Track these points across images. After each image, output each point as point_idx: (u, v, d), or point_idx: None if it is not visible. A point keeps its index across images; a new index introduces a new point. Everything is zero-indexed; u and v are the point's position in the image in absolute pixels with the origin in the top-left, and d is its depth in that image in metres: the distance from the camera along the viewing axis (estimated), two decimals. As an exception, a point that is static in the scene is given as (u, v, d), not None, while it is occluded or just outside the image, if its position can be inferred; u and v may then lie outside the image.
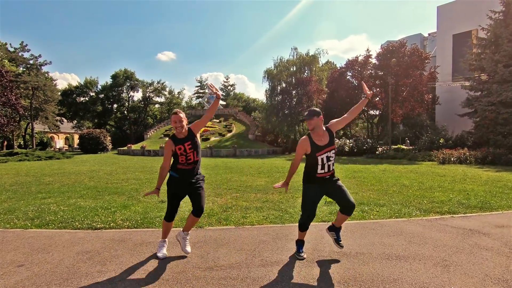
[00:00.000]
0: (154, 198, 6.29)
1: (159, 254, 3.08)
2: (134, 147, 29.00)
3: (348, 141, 22.81)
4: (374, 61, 27.06)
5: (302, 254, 3.04)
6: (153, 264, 2.92)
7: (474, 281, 2.45)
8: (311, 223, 4.28)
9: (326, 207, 5.25)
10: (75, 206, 5.54)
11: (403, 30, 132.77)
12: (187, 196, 3.19)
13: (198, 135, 3.19)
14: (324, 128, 2.99)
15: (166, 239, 3.26)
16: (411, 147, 24.03)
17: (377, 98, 28.29)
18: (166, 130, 33.44)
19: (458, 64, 24.32)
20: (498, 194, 6.34)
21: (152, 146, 28.27)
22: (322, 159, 2.91)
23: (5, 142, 33.78)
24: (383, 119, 29.31)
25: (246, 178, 9.55)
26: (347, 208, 2.95)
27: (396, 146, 24.19)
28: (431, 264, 2.80)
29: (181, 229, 3.32)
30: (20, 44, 31.65)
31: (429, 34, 45.35)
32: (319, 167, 2.92)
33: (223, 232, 3.90)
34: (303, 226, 3.08)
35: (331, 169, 2.97)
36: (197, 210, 3.10)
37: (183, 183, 3.09)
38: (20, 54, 31.64)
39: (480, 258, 2.95)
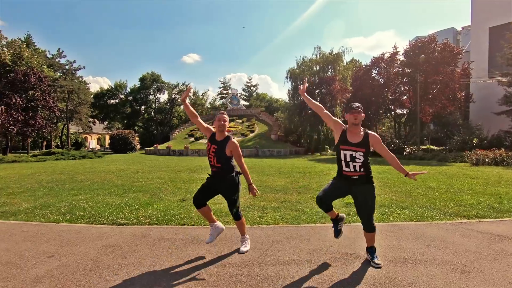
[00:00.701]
0: (176, 196, 6.52)
1: (206, 240, 3.29)
2: (160, 147, 30.02)
3: (373, 141, 22.12)
4: (401, 58, 26.00)
5: (338, 237, 3.15)
6: (169, 259, 3.05)
7: (495, 289, 2.33)
8: (328, 224, 4.27)
9: (345, 208, 5.17)
10: (103, 202, 5.88)
11: (434, 25, 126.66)
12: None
13: (229, 152, 3.17)
14: (363, 130, 2.89)
15: (215, 223, 3.31)
16: (441, 148, 22.85)
17: (405, 97, 27.17)
18: (190, 131, 34.29)
19: (494, 59, 22.78)
20: (535, 198, 5.89)
21: (177, 146, 29.11)
22: (345, 154, 2.82)
23: (45, 142, 36.35)
24: (411, 118, 28.08)
25: (266, 178, 9.59)
26: (365, 226, 2.91)
27: (425, 147, 23.10)
28: (449, 269, 2.69)
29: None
30: (57, 51, 34.00)
31: (462, 28, 42.80)
32: (343, 163, 2.84)
33: (236, 230, 3.96)
34: (317, 200, 2.99)
35: (357, 170, 2.79)
36: (231, 214, 3.29)
37: (212, 179, 3.25)
38: (57, 60, 33.93)
39: (505, 265, 2.78)
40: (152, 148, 30.12)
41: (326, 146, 26.80)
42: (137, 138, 32.45)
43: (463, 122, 26.35)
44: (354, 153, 2.79)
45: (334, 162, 15.39)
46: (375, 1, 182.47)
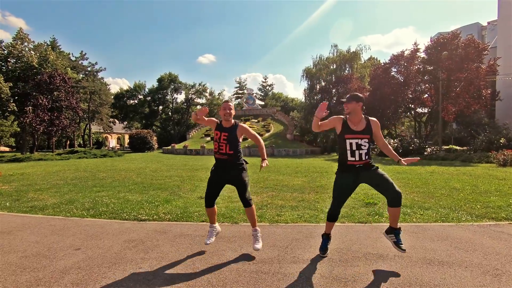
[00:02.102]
0: (194, 194, 6.61)
1: (206, 241, 3.22)
2: (177, 146, 30.55)
3: (392, 140, 21.58)
4: (422, 55, 25.14)
5: (324, 254, 2.99)
6: (189, 255, 3.09)
7: (530, 294, 2.20)
8: (348, 223, 4.20)
9: (365, 208, 5.07)
10: (124, 199, 6.04)
11: (457, 20, 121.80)
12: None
13: (241, 137, 3.25)
14: (364, 117, 2.89)
15: (215, 225, 3.32)
16: (464, 148, 21.94)
17: (426, 95, 26.27)
18: (206, 130, 34.68)
19: (523, 55, 21.62)
20: None
21: (194, 145, 29.52)
22: (351, 143, 2.81)
23: (68, 142, 37.83)
24: (432, 117, 27.11)
25: (283, 177, 9.55)
26: (392, 197, 2.73)
27: (447, 147, 22.25)
28: (480, 272, 2.57)
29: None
30: (80, 53, 35.34)
31: (488, 23, 40.90)
32: (349, 153, 2.82)
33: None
34: (329, 216, 3.00)
35: (363, 158, 2.80)
36: (242, 201, 3.21)
37: (218, 171, 3.21)
38: (80, 62, 35.23)
39: (540, 269, 2.63)
40: (169, 147, 30.70)
41: (343, 146, 26.37)
42: (155, 138, 33.17)
43: (488, 121, 25.19)
44: (359, 141, 2.80)
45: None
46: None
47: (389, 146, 3.01)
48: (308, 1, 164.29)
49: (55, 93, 23.70)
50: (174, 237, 3.64)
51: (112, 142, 49.67)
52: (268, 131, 31.62)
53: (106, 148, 41.90)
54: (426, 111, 28.57)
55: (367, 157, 2.82)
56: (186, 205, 5.43)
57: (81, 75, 35.26)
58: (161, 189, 7.28)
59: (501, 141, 17.34)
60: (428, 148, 19.97)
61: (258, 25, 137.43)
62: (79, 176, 10.13)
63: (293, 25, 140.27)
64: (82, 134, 39.79)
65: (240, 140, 3.28)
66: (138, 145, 30.82)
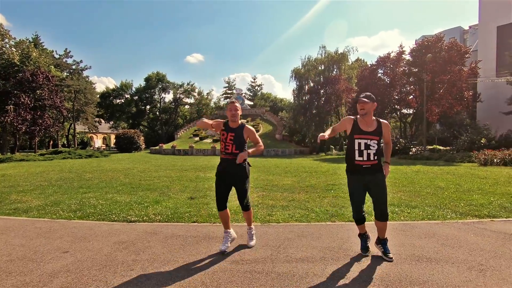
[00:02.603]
0: (184, 194, 6.55)
1: (221, 247, 3.18)
2: (165, 146, 30.16)
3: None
4: (407, 57, 25.78)
5: (366, 253, 3.03)
6: (182, 256, 3.06)
7: (513, 287, 2.30)
8: (338, 222, 4.26)
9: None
10: (112, 200, 5.92)
11: (440, 24, 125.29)
12: None
13: (246, 136, 3.27)
14: (375, 119, 2.93)
15: (229, 230, 3.31)
16: (447, 148, 22.61)
17: (411, 96, 26.94)
18: (195, 130, 34.41)
19: (502, 58, 22.50)
20: (548, 198, 5.80)
21: (182, 145, 29.23)
22: (359, 143, 2.84)
23: (51, 142, 36.73)
24: (417, 118, 27.82)
25: (273, 177, 9.58)
26: (379, 213, 2.91)
27: (431, 147, 22.88)
28: (465, 267, 2.67)
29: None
30: (64, 51, 34.33)
31: (470, 27, 42.32)
32: (357, 152, 2.85)
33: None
34: (355, 219, 3.08)
35: (371, 158, 2.83)
36: (241, 205, 3.31)
37: (224, 171, 3.24)
38: (64, 60, 34.25)
39: (522, 264, 2.75)
40: (157, 147, 30.28)
41: (331, 146, 26.71)
42: (142, 138, 32.63)
43: (470, 122, 26.06)
44: (368, 141, 2.84)
45: (340, 162, 15.32)
46: (379, 0, 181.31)
47: (390, 149, 3.10)
48: (297, 3, 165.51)
49: (38, 91, 22.96)
50: (166, 238, 3.60)
51: (98, 142, 48.57)
52: (257, 131, 31.64)
53: (92, 148, 40.90)
54: (411, 112, 29.31)
55: (374, 157, 2.85)
56: (176, 205, 5.38)
57: (65, 73, 34.29)
58: (150, 190, 7.18)
59: (482, 141, 17.98)
60: (413, 148, 20.47)
61: (246, 25, 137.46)
62: (64, 177, 9.87)
63: (282, 26, 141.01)
64: (66, 134, 38.72)
65: (247, 141, 3.31)
66: (125, 145, 30.24)
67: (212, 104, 56.21)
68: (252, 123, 33.66)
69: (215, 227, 4.07)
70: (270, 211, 4.97)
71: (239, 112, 3.27)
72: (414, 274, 2.54)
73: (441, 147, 23.38)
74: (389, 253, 2.91)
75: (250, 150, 3.24)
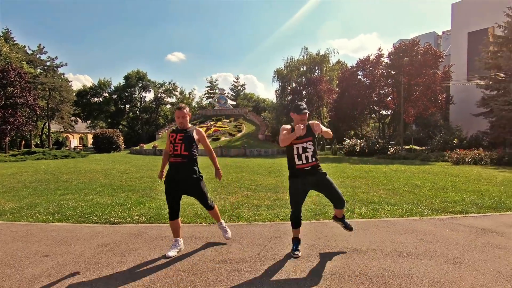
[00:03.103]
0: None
1: (167, 253, 3.04)
2: (146, 146, 29.51)
3: (359, 141, 22.61)
4: (386, 60, 26.70)
5: (296, 253, 3.03)
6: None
7: (485, 278, 2.46)
8: (323, 220, 4.36)
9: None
10: (92, 202, 5.74)
11: (415, 29, 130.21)
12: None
13: (197, 138, 3.18)
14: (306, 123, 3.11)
15: (178, 239, 3.18)
16: (423, 147, 23.60)
17: (389, 98, 27.91)
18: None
19: (473, 63, 23.75)
20: (514, 194, 6.21)
21: (164, 145, 28.56)
22: (297, 148, 3.00)
23: (23, 142, 34.92)
24: (395, 119, 28.86)
25: (257, 177, 9.63)
26: (337, 203, 3.11)
27: (408, 147, 23.81)
28: (442, 261, 2.82)
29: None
30: (37, 47, 32.74)
31: (443, 32, 44.37)
32: (296, 157, 3.01)
33: (235, 228, 3.99)
34: (293, 223, 3.12)
35: (310, 160, 3.00)
36: (205, 207, 3.29)
37: (173, 179, 3.09)
38: (37, 56, 32.67)
39: (492, 256, 2.94)
40: (137, 147, 29.56)
41: (313, 146, 27.16)
42: (121, 138, 31.72)
43: (443, 123, 27.32)
44: (305, 144, 3.00)
45: (323, 161, 15.45)
46: (359, 4, 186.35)
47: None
48: (280, 4, 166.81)
49: (8, 88, 21.76)
50: (151, 240, 3.55)
51: (74, 142, 46.70)
52: (240, 131, 31.62)
53: (67, 148, 39.28)
54: (389, 113, 30.36)
55: (313, 159, 3.01)
56: (160, 206, 5.30)
57: (39, 70, 32.70)
58: (132, 191, 7.02)
59: (454, 141, 18.92)
60: (391, 148, 21.21)
61: (228, 25, 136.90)
62: (39, 179, 9.44)
63: (265, 27, 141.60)
64: (40, 133, 36.96)
65: (198, 144, 3.20)
66: (103, 145, 29.29)
67: (194, 103, 55.54)
68: (235, 123, 33.60)
69: (201, 227, 4.06)
70: (256, 210, 5.01)
71: (188, 117, 3.22)
72: (395, 268, 2.66)
73: (417, 147, 24.38)
74: (349, 224, 3.34)
75: (215, 164, 3.28)
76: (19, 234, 3.82)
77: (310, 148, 3.00)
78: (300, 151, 2.99)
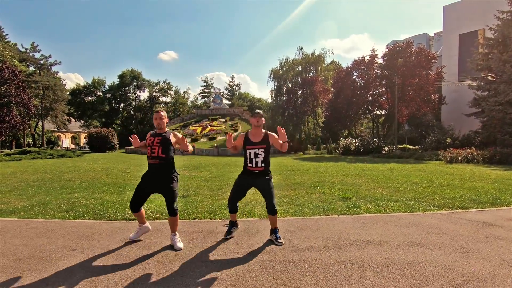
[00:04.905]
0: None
1: (131, 235, 3.47)
2: (142, 146, 29.34)
3: (354, 140, 22.98)
4: (380, 61, 27.16)
5: (230, 236, 3.54)
6: (194, 249, 3.19)
7: (492, 264, 2.69)
8: (332, 216, 4.57)
9: (342, 202, 5.50)
10: (102, 200, 5.84)
11: (406, 30, 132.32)
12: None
13: (174, 140, 3.33)
14: (264, 131, 3.42)
15: (145, 224, 3.55)
16: (416, 147, 24.10)
17: (383, 98, 28.38)
18: (172, 129, 33.81)
19: (464, 64, 24.36)
20: (508, 191, 6.53)
21: (160, 145, 28.59)
22: (250, 153, 3.35)
23: (14, 141, 34.35)
24: (388, 119, 29.37)
25: (259, 175, 9.79)
26: (270, 209, 3.36)
27: (402, 146, 24.30)
28: (451, 250, 3.05)
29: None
30: (31, 45, 32.27)
31: (434, 34, 45.25)
32: (248, 160, 3.38)
33: (250, 223, 4.16)
34: (229, 208, 3.59)
35: (259, 165, 3.32)
36: (169, 210, 3.30)
37: (149, 178, 3.31)
38: (31, 54, 32.18)
39: (495, 246, 3.18)
40: (133, 147, 29.37)
41: (308, 145, 27.45)
42: (116, 137, 31.48)
43: (436, 123, 27.92)
44: (257, 150, 3.34)
45: (320, 160, 15.80)
46: (351, 5, 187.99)
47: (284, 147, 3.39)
48: (274, 5, 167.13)
49: (2, 87, 21.44)
50: (172, 234, 3.69)
51: (66, 141, 46.07)
52: (236, 130, 31.74)
53: (60, 148, 38.76)
54: (383, 113, 30.86)
55: (263, 164, 3.34)
56: (171, 204, 5.42)
57: (32, 68, 32.21)
58: (138, 189, 7.10)
59: (447, 140, 19.41)
60: (386, 147, 21.63)
61: (222, 25, 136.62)
62: (41, 178, 9.44)
63: (257, 26, 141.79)
64: (33, 132, 36.42)
65: (174, 145, 3.38)
66: (98, 144, 29.05)
67: (189, 103, 55.38)
68: (230, 123, 33.71)
69: (217, 223, 4.21)
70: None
71: (165, 120, 3.40)
72: (409, 257, 2.88)
73: (410, 146, 24.89)
74: (280, 239, 3.38)
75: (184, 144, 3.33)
76: (40, 230, 3.92)
77: (261, 155, 3.32)
78: (252, 156, 3.33)
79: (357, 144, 22.10)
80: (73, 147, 42.20)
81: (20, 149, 22.94)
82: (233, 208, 3.57)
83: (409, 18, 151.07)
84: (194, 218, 4.46)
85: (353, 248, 3.17)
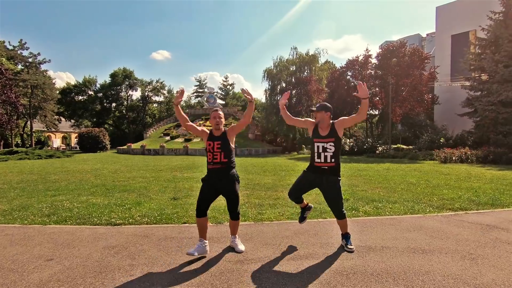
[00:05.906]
0: (165, 195, 6.29)
1: (189, 251, 2.92)
2: (134, 146, 28.87)
3: (348, 140, 22.91)
4: (374, 61, 27.19)
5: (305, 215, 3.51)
6: (182, 258, 2.93)
7: (505, 273, 2.50)
8: (330, 219, 4.33)
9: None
10: (88, 203, 5.53)
11: (399, 31, 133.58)
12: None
13: (233, 140, 3.20)
14: (330, 123, 3.14)
15: (206, 241, 3.04)
16: (410, 147, 24.16)
17: (377, 98, 28.42)
18: (165, 129, 33.36)
19: (456, 64, 24.49)
20: (507, 191, 6.42)
21: (152, 145, 28.17)
22: (318, 146, 3.09)
23: (2, 141, 33.41)
24: (382, 118, 29.42)
25: (252, 176, 9.57)
26: (335, 213, 3.16)
27: (396, 146, 24.32)
28: (458, 257, 2.85)
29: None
30: (19, 42, 31.32)
31: (427, 35, 45.61)
32: (316, 155, 3.11)
33: (244, 227, 3.91)
34: (292, 200, 3.38)
35: (328, 160, 3.04)
36: (231, 214, 3.16)
37: (213, 182, 3.09)
38: (19, 52, 31.32)
39: (504, 251, 3.00)
40: (125, 147, 28.87)
41: (303, 145, 27.31)
42: (107, 137, 30.87)
43: (429, 123, 28.06)
44: (325, 144, 3.07)
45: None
46: (345, 5, 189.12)
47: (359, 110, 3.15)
48: (269, 5, 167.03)
49: (-12, 85, 20.79)
50: (159, 241, 3.43)
51: (56, 141, 45.09)
52: (230, 130, 31.45)
53: (49, 148, 37.89)
54: (377, 112, 30.92)
55: (332, 159, 3.05)
56: (160, 207, 5.16)
57: (20, 67, 31.33)
58: (127, 191, 6.81)
59: (441, 140, 19.46)
60: (380, 147, 21.60)
61: (215, 24, 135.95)
62: (25, 179, 9.04)
63: (251, 26, 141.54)
64: (21, 132, 35.48)
65: (233, 145, 3.21)
66: (89, 144, 28.43)
67: (182, 102, 54.74)
68: (225, 122, 33.31)
69: (210, 228, 3.95)
70: (260, 209, 4.95)
71: (223, 120, 3.21)
72: (415, 266, 2.66)
73: (404, 146, 24.93)
74: (351, 244, 3.13)
75: (248, 108, 3.28)
76: (16, 237, 3.61)
77: (330, 149, 3.06)
78: (321, 150, 3.08)
79: (351, 144, 22.04)
80: (64, 147, 41.37)
81: (7, 149, 22.27)
82: (296, 200, 3.35)
83: (402, 19, 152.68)
84: (184, 223, 4.19)
85: (355, 255, 2.95)
